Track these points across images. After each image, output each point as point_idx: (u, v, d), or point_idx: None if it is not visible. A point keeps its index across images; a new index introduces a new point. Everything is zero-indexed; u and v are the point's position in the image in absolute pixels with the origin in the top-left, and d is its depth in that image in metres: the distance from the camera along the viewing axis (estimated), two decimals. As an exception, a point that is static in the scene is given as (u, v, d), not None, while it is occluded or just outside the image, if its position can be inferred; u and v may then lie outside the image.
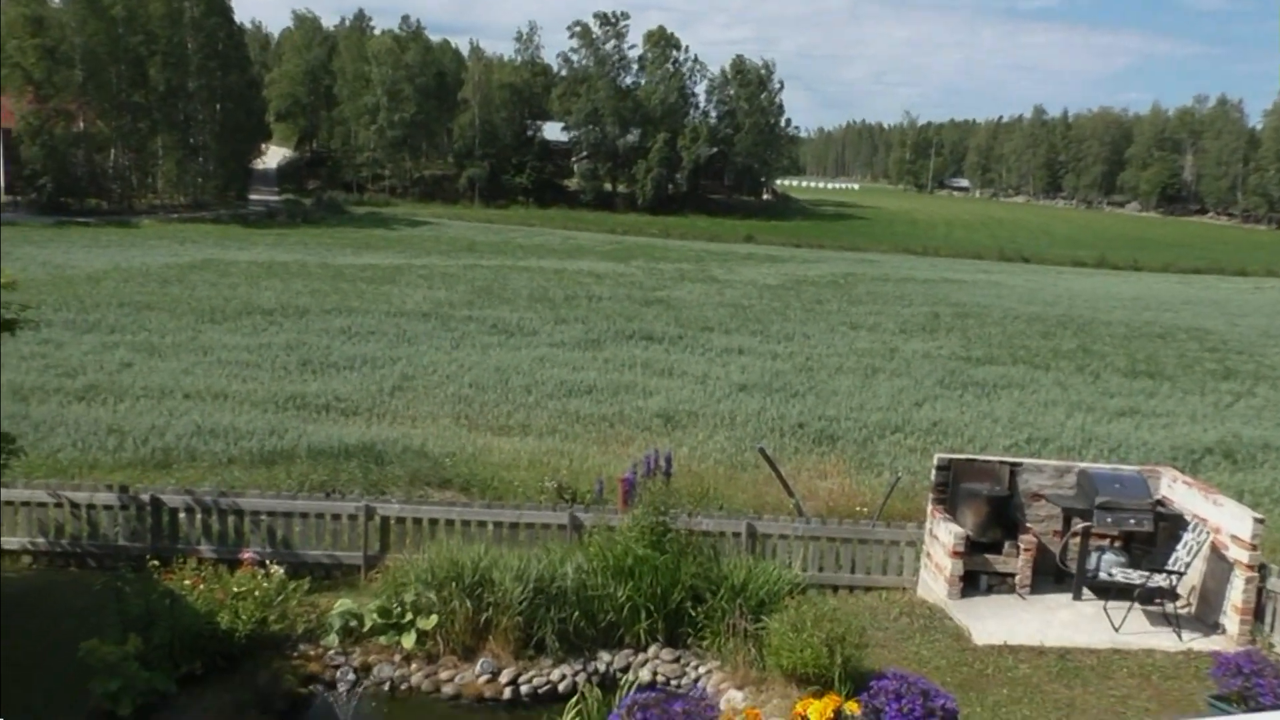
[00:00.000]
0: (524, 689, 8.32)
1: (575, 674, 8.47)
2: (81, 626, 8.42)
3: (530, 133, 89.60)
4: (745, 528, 10.24)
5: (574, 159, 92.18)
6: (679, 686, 8.52)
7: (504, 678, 8.32)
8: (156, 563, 8.97)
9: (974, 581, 10.09)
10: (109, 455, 13.01)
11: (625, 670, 8.62)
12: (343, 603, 8.93)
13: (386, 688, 8.35)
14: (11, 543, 10.37)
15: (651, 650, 8.80)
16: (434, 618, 8.48)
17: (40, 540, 10.40)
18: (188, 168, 64.06)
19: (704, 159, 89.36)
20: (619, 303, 28.29)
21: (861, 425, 16.14)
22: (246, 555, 9.38)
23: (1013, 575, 10.20)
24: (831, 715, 6.62)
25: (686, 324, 25.38)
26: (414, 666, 8.49)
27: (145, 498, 10.40)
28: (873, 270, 41.44)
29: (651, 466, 9.44)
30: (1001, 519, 10.34)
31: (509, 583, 8.49)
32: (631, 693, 6.91)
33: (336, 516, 10.38)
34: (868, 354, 22.76)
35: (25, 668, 7.89)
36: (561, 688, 8.36)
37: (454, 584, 8.50)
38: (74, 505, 10.39)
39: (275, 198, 72.75)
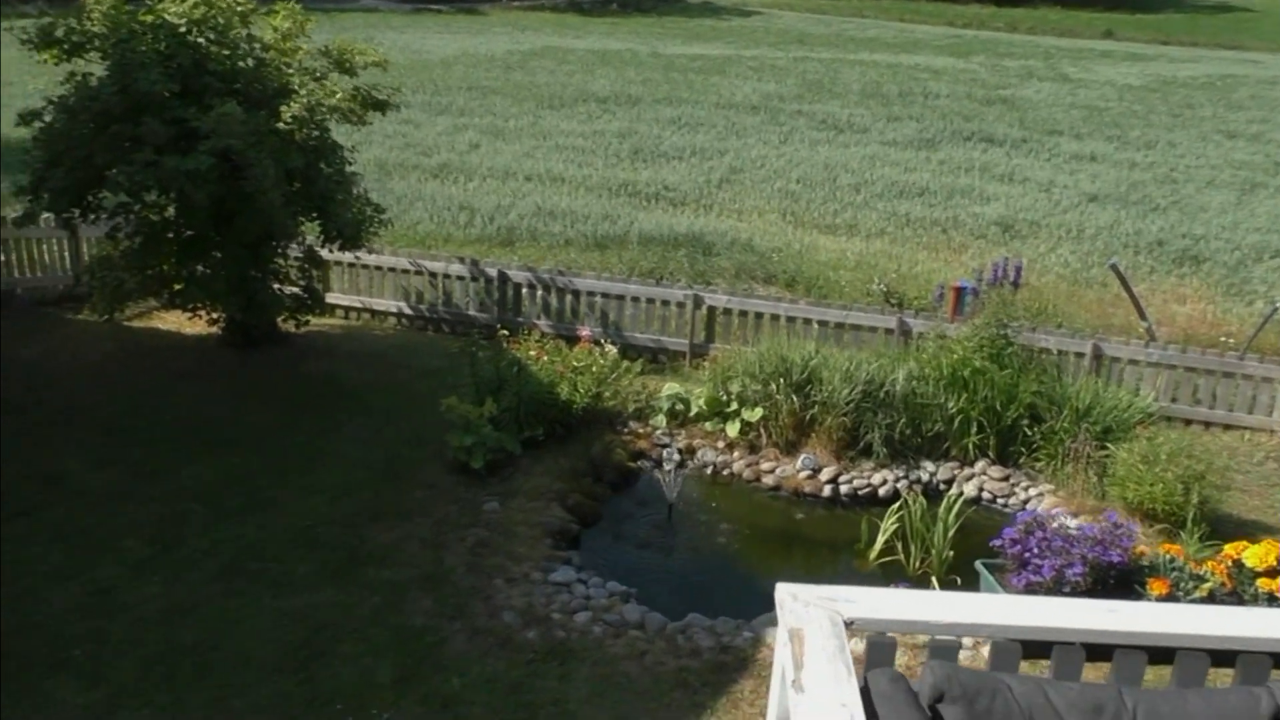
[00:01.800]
0: (843, 489, 8.31)
1: (896, 480, 8.34)
2: (439, 386, 9.23)
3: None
4: (1090, 349, 9.49)
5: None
6: (1005, 506, 8.21)
7: (824, 475, 8.33)
8: (505, 332, 9.60)
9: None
10: (460, 230, 13.91)
11: (949, 483, 8.39)
12: (670, 386, 9.20)
13: (709, 471, 8.61)
14: (380, 304, 11.43)
15: (979, 466, 8.49)
16: (759, 410, 8.56)
17: (404, 304, 11.39)
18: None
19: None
20: (957, 101, 26.41)
21: (1234, 247, 14.38)
22: (584, 333, 9.82)
23: None
24: (1274, 563, 6.11)
25: (1032, 126, 23.36)
26: (736, 455, 8.68)
27: (493, 272, 11.06)
28: (1258, 72, 36.08)
29: (999, 274, 8.84)
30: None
31: (837, 382, 8.37)
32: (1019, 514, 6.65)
33: (665, 303, 10.61)
34: (1246, 166, 20.07)
35: (395, 415, 8.77)
36: (881, 492, 8.28)
37: (781, 379, 8.50)
38: (431, 274, 11.24)
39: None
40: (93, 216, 9.35)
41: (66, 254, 11.05)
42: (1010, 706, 2.56)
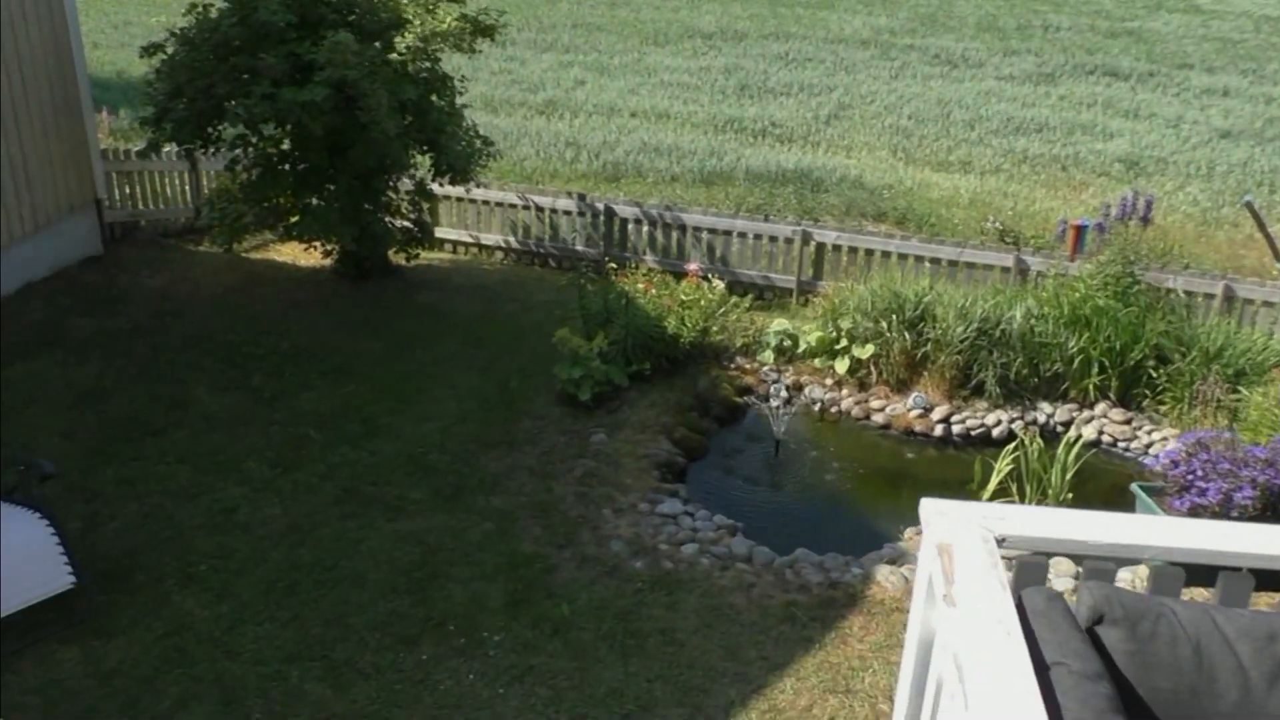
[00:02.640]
0: (955, 429, 8.11)
1: (1011, 421, 8.11)
2: (546, 319, 9.27)
3: None
4: (1222, 289, 9.03)
5: None
6: (1126, 450, 7.92)
7: (936, 414, 8.15)
8: (614, 265, 9.57)
9: None
10: (566, 166, 13.89)
11: (1067, 425, 8.13)
12: (779, 322, 9.08)
13: (816, 409, 8.49)
14: (488, 239, 11.50)
15: (1099, 408, 8.20)
16: (870, 347, 8.39)
17: (511, 239, 11.43)
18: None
19: None
20: (1080, 34, 25.25)
21: (1382, 187, 13.54)
22: (691, 267, 9.74)
23: None
24: None
25: (1160, 59, 22.23)
26: (845, 392, 8.54)
27: (600, 206, 11.02)
28: None
29: (1127, 209, 8.44)
30: None
31: (951, 319, 8.15)
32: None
33: (773, 239, 10.44)
34: (1397, 101, 18.81)
35: (503, 347, 8.85)
36: (995, 433, 8.06)
37: (894, 316, 8.30)
38: (539, 209, 11.25)
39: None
40: (212, 149, 9.58)
41: (187, 188, 11.35)
42: (1175, 632, 2.42)
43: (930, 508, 2.73)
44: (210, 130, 9.34)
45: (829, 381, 8.62)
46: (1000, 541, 2.58)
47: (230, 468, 6.87)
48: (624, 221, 10.95)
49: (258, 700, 4.97)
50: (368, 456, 7.12)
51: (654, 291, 8.79)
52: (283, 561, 5.98)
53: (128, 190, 11.02)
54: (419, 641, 5.44)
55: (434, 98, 9.59)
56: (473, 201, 11.43)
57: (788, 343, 8.87)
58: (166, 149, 10.64)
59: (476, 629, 5.55)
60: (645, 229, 10.88)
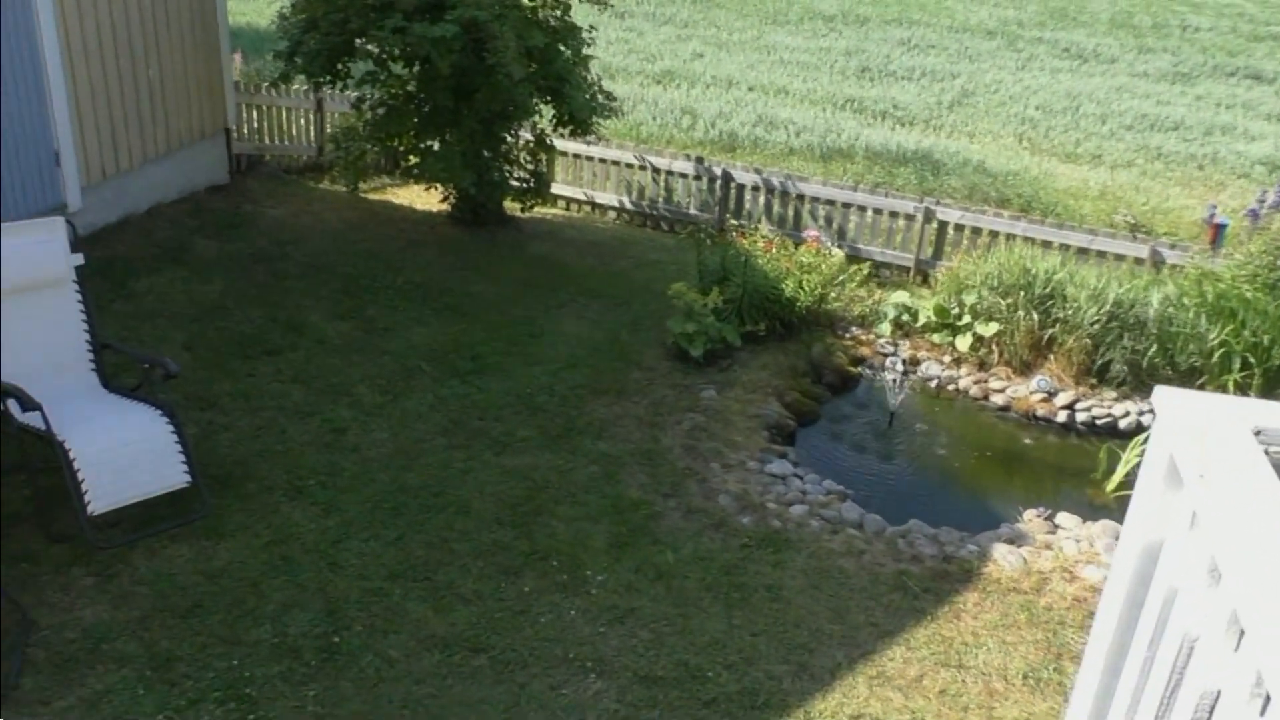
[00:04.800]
0: (1080, 415, 7.76)
1: (1141, 413, 7.73)
2: (658, 276, 9.14)
3: None
4: (1377, 295, 8.48)
5: None
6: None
7: (1060, 399, 7.81)
8: (736, 222, 9.39)
9: None
10: (683, 133, 13.73)
11: (1200, 421, 7.70)
12: (899, 294, 8.81)
13: (933, 385, 8.21)
14: (602, 198, 11.41)
15: (1238, 405, 7.76)
16: (994, 325, 8.07)
17: (625, 199, 11.32)
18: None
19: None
20: (1220, 35, 24.18)
21: None
22: (811, 234, 9.51)
23: None
24: None
25: (1307, 67, 21.17)
26: (964, 370, 8.24)
27: (717, 171, 10.84)
28: None
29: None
30: None
31: (1083, 300, 7.79)
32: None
33: (894, 214, 10.14)
34: None
35: (615, 300, 8.75)
36: (1123, 424, 7.69)
37: (1021, 293, 7.97)
38: (655, 170, 11.11)
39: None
40: (340, 85, 9.64)
41: (312, 127, 11.48)
42: None
43: (1165, 392, 2.43)
44: (340, 66, 9.40)
45: (947, 359, 8.33)
46: (1256, 434, 2.30)
47: (342, 391, 6.89)
48: (741, 187, 10.76)
49: (359, 613, 4.95)
50: (476, 392, 7.08)
51: (774, 252, 8.59)
52: (390, 484, 5.96)
53: (256, 124, 11.20)
54: (521, 573, 5.36)
55: (561, 46, 9.50)
56: (589, 159, 11.35)
57: (906, 316, 8.60)
58: (295, 87, 10.79)
59: (579, 567, 5.46)
60: (762, 197, 10.67)
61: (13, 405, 5.06)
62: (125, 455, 5.16)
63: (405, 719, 4.38)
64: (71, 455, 5.00)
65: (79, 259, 5.59)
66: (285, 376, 6.99)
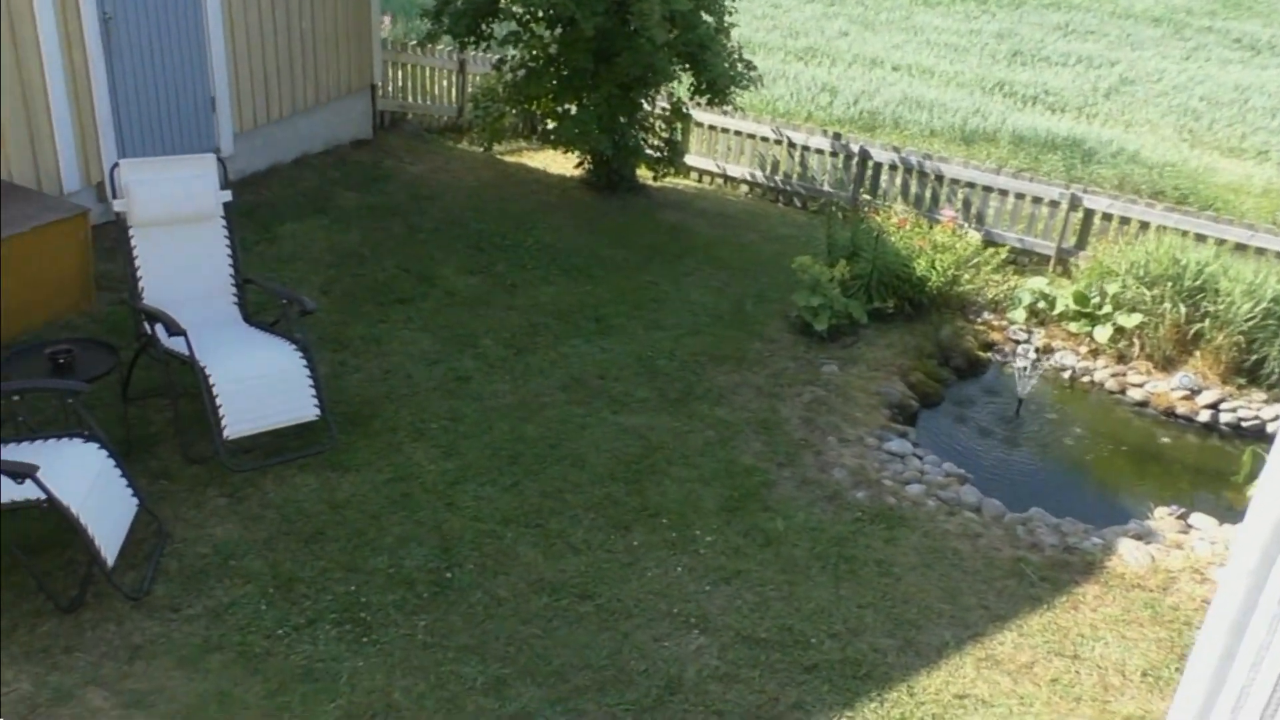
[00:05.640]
0: (1224, 416, 7.37)
1: (1292, 417, 7.31)
2: (787, 250, 9.04)
3: None
4: None
5: None
6: None
7: (1203, 398, 7.43)
8: (869, 197, 9.22)
9: None
10: (821, 110, 13.54)
11: (1357, 430, 7.24)
12: (1036, 280, 8.52)
13: (1066, 376, 7.92)
14: (735, 170, 11.33)
15: (1402, 417, 7.28)
16: (1137, 316, 7.73)
17: (758, 172, 11.22)
18: None
19: None
20: None
21: None
22: (947, 214, 9.26)
23: None
24: None
25: None
26: (1100, 362, 7.92)
27: (855, 148, 10.64)
28: None
29: None
30: None
31: (1237, 295, 7.39)
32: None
33: (1037, 200, 9.78)
34: None
35: (741, 271, 8.71)
36: (1271, 427, 7.28)
37: (1170, 284, 7.61)
38: (791, 144, 10.97)
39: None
40: (484, 45, 9.80)
41: (454, 88, 11.72)
42: None
43: None
44: (484, 27, 9.56)
45: (1083, 349, 8.02)
46: None
47: (468, 342, 7.03)
48: (878, 165, 10.53)
49: (472, 552, 5.06)
50: (598, 352, 7.14)
51: (907, 229, 8.39)
52: (509, 433, 6.06)
53: (400, 83, 11.49)
54: (631, 528, 5.40)
55: (703, 13, 9.45)
56: (724, 131, 11.27)
57: (1043, 303, 8.31)
58: (440, 47, 11.02)
59: (689, 527, 5.46)
60: (899, 176, 10.42)
61: (160, 330, 5.33)
62: (261, 385, 5.39)
63: (510, 655, 4.47)
64: (211, 381, 5.24)
65: (227, 196, 5.84)
66: (415, 325, 7.17)
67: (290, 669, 4.26)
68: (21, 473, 4.03)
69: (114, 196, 5.54)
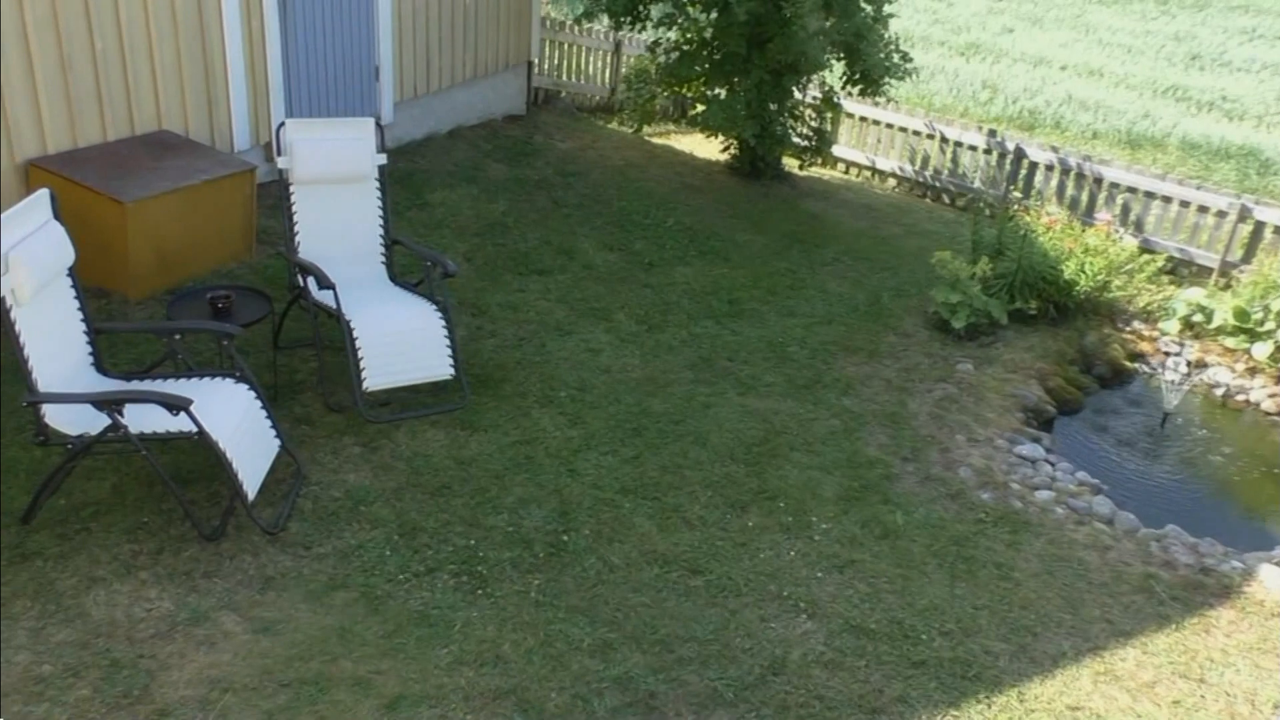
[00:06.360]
0: (1393, 448, 6.91)
1: None
2: (929, 245, 8.86)
3: None
4: None
5: None
6: None
7: (1370, 427, 6.98)
8: (1019, 194, 8.96)
9: None
10: (979, 107, 13.20)
11: None
12: (1192, 292, 8.13)
13: (1218, 392, 7.54)
14: (884, 163, 11.16)
15: None
16: (1302, 335, 7.31)
17: (908, 166, 11.03)
18: None
19: None
20: None
21: None
22: (1103, 217, 8.92)
23: None
24: None
25: None
26: (1257, 381, 7.51)
27: (1010, 146, 10.34)
28: None
29: None
30: None
31: None
32: None
33: (1202, 209, 9.32)
34: None
35: (880, 264, 8.59)
36: None
37: (1341, 303, 7.16)
38: (944, 139, 10.74)
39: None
40: (639, 26, 9.90)
41: (607, 69, 11.87)
42: None
43: None
44: (640, 8, 9.65)
45: (1240, 366, 7.62)
46: None
47: (601, 316, 7.15)
48: (1033, 165, 10.22)
49: (588, 518, 5.16)
50: (729, 335, 7.16)
51: (1056, 230, 8.12)
52: (634, 406, 6.15)
53: (556, 61, 11.71)
54: (748, 508, 5.41)
55: (861, 2, 9.33)
56: (875, 123, 11.11)
57: (1199, 316, 7.92)
58: (596, 26, 11.18)
59: (805, 513, 5.44)
60: (1055, 177, 10.09)
61: (311, 283, 5.60)
62: (401, 342, 5.61)
63: (618, 621, 4.55)
64: (355, 335, 5.48)
65: (382, 159, 6.08)
66: (551, 296, 7.34)
67: (408, 613, 4.44)
68: (178, 405, 4.30)
69: (278, 154, 5.84)
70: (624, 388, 6.34)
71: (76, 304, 4.73)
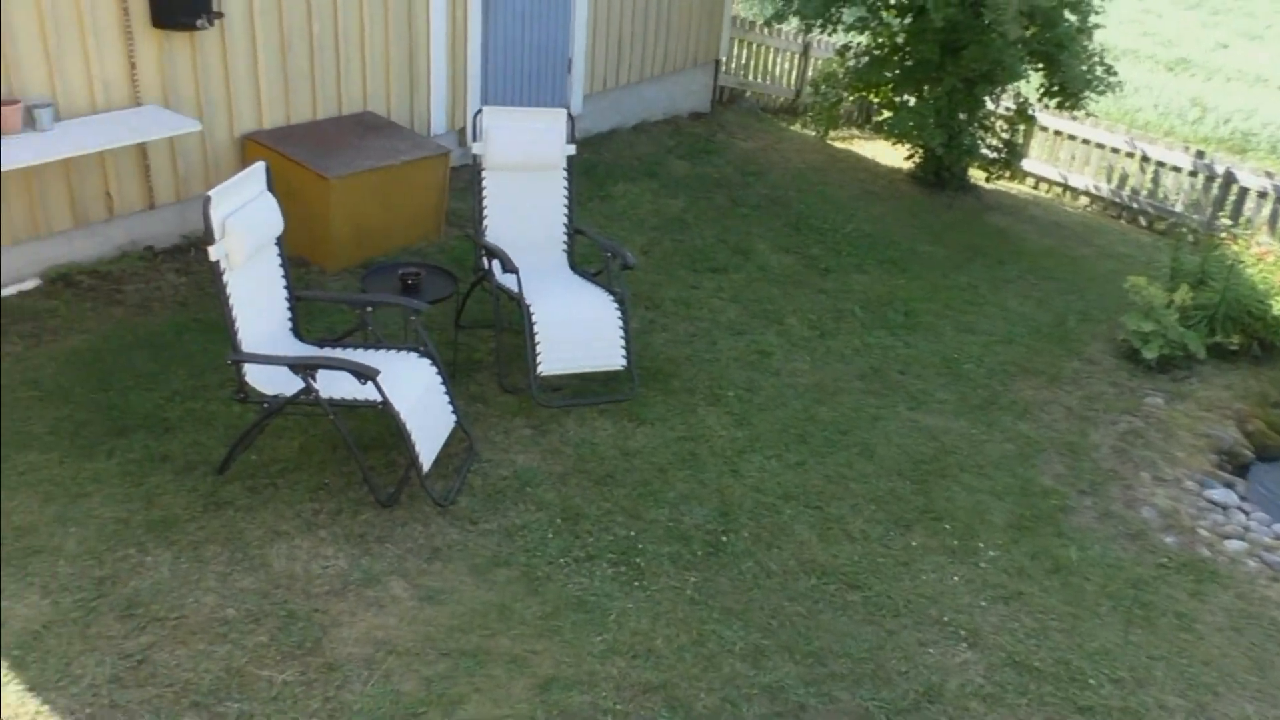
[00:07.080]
0: None
1: None
2: (1122, 269, 8.45)
3: None
4: None
5: None
6: None
7: None
8: (1229, 221, 8.45)
9: None
10: (1186, 126, 12.51)
11: None
12: None
13: None
14: (1077, 180, 10.70)
15: None
16: None
17: (1103, 185, 10.53)
18: None
19: None
20: None
21: None
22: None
23: None
24: None
25: None
26: None
27: (1219, 169, 9.75)
28: None
29: None
30: None
31: None
32: None
33: None
34: None
35: (1067, 285, 8.23)
36: None
37: None
38: (1145, 158, 10.21)
39: None
40: (830, 29, 9.77)
41: (794, 71, 11.77)
42: None
43: None
44: (833, 11, 9.52)
45: None
46: None
47: (774, 318, 7.10)
48: (1244, 190, 9.61)
49: (749, 521, 5.13)
50: (902, 347, 7.00)
51: (1270, 262, 7.61)
52: (801, 412, 6.08)
53: (743, 60, 11.68)
54: (912, 527, 5.28)
55: (1066, 11, 8.94)
56: (1070, 137, 10.66)
57: None
58: (786, 28, 11.10)
59: (972, 538, 5.27)
60: (1269, 205, 9.45)
61: (495, 266, 5.76)
62: (578, 330, 5.70)
63: (772, 628, 4.51)
64: (534, 320, 5.60)
65: (571, 150, 6.19)
66: (725, 294, 7.33)
67: (566, 596, 4.52)
68: (366, 374, 4.49)
69: (473, 139, 6.01)
70: (792, 392, 6.28)
71: (281, 272, 4.99)
